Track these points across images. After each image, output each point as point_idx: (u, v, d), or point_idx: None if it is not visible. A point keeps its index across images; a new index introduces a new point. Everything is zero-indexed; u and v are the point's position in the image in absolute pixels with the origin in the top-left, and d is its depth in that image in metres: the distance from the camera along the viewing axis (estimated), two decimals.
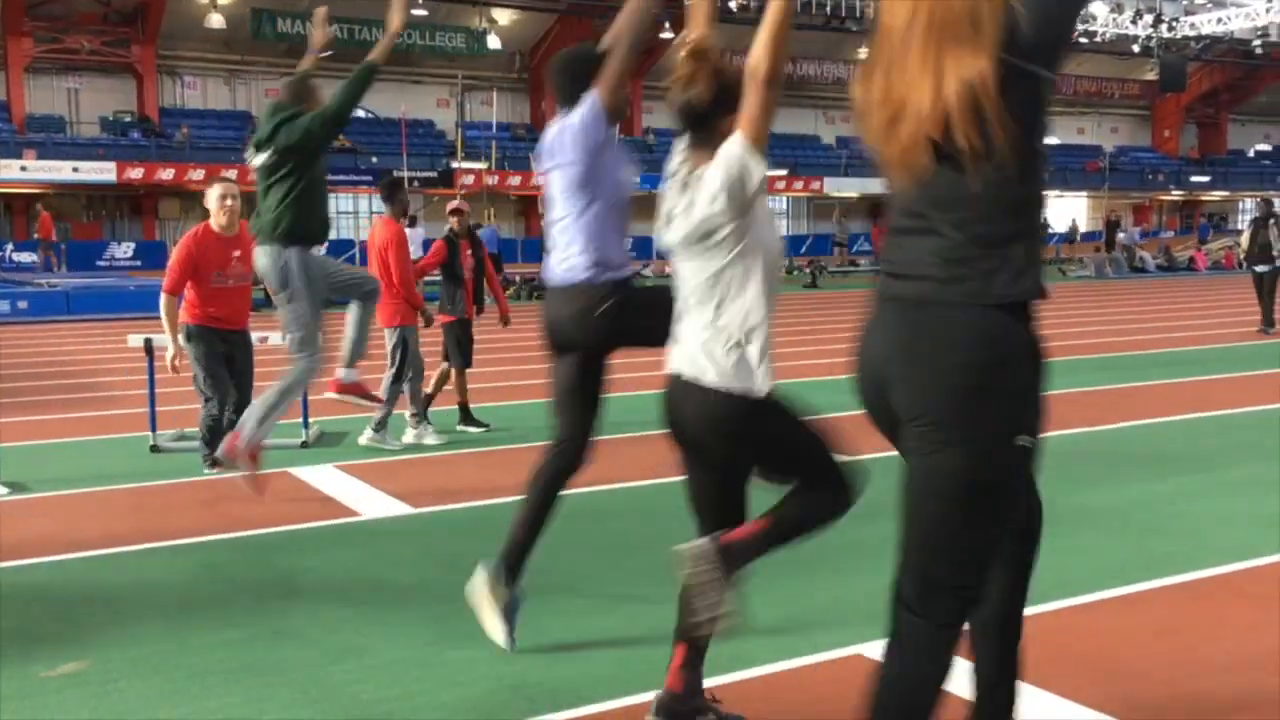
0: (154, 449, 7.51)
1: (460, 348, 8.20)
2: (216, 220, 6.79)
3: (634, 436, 6.71)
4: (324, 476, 6.67)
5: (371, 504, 6.00)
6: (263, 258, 5.72)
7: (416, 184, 34.94)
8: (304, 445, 7.65)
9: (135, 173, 31.49)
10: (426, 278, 8.84)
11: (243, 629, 4.08)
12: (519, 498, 3.83)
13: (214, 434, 6.54)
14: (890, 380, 2.34)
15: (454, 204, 8.55)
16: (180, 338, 6.72)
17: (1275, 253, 14.73)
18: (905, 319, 2.33)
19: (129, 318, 15.68)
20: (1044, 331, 2.36)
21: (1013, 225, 2.27)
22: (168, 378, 7.13)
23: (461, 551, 4.93)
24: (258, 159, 5.74)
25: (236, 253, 6.75)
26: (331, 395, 6.15)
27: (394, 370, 7.73)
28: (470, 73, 39.82)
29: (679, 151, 3.01)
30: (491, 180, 36.24)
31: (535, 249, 32.74)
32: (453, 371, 8.24)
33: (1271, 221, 14.86)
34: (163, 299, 6.72)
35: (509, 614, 3.76)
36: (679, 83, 2.94)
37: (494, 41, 37.85)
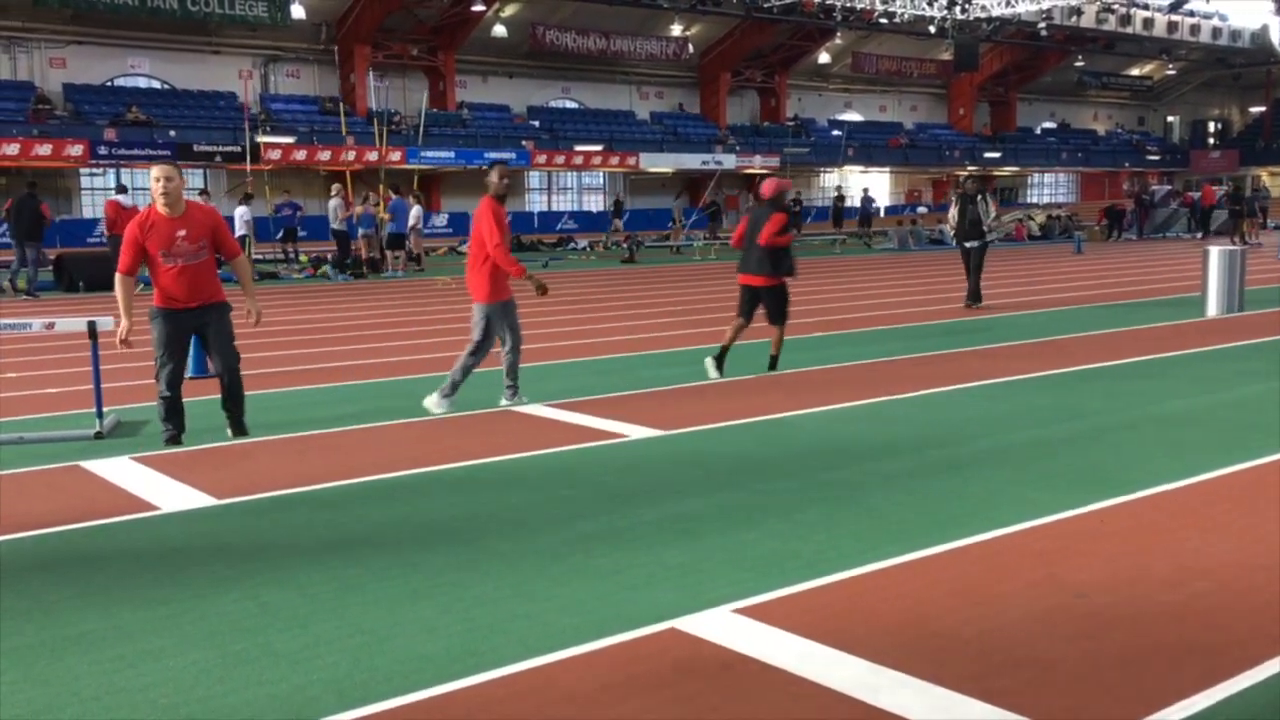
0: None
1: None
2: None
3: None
4: (119, 469, 6.32)
5: (171, 497, 5.72)
6: None
7: (219, 159, 33.56)
8: (98, 436, 7.24)
9: None
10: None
11: (27, 636, 3.83)
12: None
13: (173, 411, 6.96)
14: None
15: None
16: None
17: (985, 228, 15.05)
18: None
19: None
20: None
21: None
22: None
23: (266, 543, 4.78)
24: None
25: (182, 232, 6.81)
26: None
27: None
28: (274, 43, 38.34)
29: None
30: (299, 155, 35.08)
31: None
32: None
33: (980, 198, 15.10)
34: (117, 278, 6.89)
35: None
36: None
37: (298, 11, 36.28)
